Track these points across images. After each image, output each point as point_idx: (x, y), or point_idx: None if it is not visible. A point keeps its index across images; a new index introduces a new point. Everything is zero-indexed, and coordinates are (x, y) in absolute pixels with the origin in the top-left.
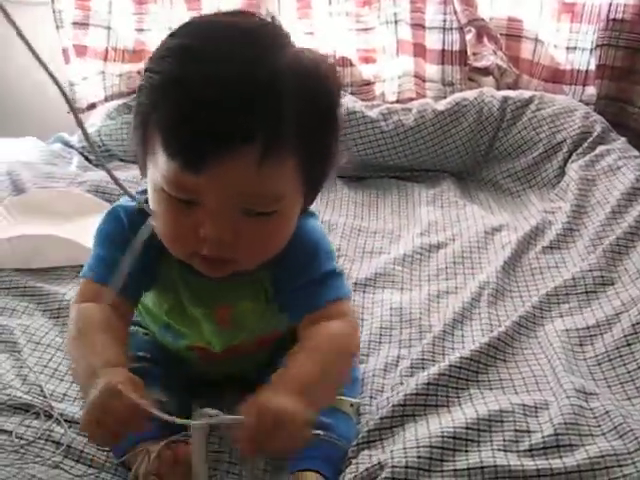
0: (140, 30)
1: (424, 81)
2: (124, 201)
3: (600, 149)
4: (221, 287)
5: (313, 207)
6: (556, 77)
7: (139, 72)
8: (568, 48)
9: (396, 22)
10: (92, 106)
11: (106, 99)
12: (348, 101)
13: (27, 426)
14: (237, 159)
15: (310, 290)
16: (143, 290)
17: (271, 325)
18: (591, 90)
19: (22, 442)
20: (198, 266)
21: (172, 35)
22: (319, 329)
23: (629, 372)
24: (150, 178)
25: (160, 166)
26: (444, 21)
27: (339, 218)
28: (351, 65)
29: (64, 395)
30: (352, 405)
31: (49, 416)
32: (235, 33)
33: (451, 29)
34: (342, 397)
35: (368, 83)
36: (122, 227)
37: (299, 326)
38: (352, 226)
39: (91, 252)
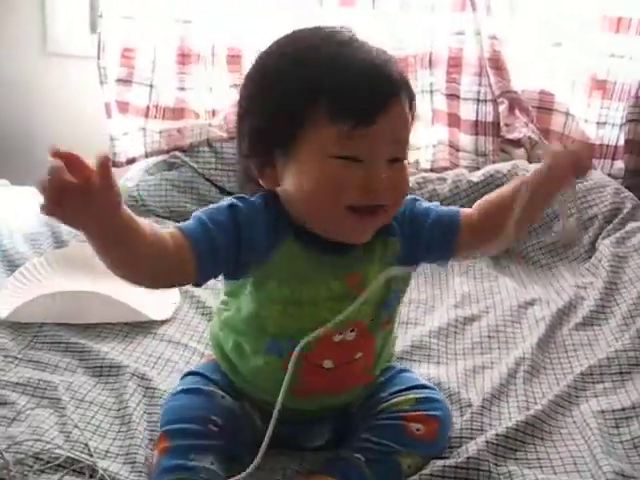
0: (181, 89)
1: (458, 150)
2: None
3: (631, 225)
4: (348, 257)
5: None
6: None
7: (179, 130)
8: (598, 123)
9: (432, 92)
10: (132, 160)
11: (146, 155)
12: None
13: None
14: (394, 109)
15: (439, 224)
16: (225, 271)
17: (392, 294)
18: (619, 164)
19: None
20: (349, 226)
21: (281, 45)
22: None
23: None
24: (301, 159)
25: (323, 135)
26: (478, 92)
27: None
28: None
29: (107, 452)
30: None
31: (93, 473)
32: (344, 36)
33: (485, 100)
34: None
35: None
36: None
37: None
38: None
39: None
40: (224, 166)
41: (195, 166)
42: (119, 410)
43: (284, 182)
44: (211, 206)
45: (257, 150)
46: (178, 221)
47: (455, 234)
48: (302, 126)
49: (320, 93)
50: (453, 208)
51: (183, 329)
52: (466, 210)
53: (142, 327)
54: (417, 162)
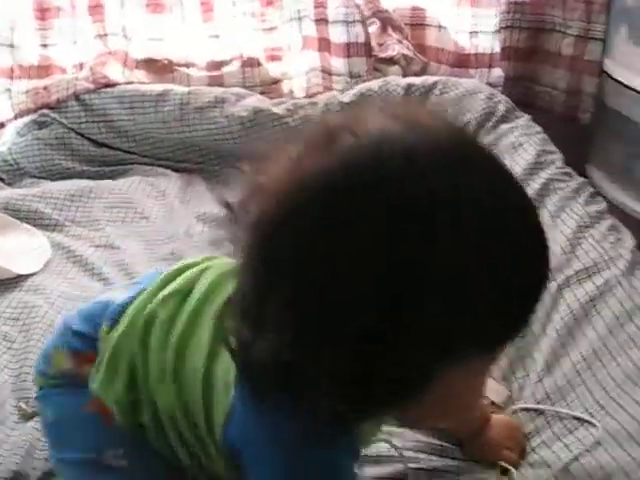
0: (44, 46)
1: (331, 74)
2: None
3: (503, 127)
4: None
5: None
6: (462, 62)
7: (45, 88)
8: (471, 33)
9: (300, 19)
10: (1, 125)
11: (15, 117)
12: (255, 100)
13: None
14: None
15: None
16: None
17: None
18: (498, 72)
19: None
20: None
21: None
22: None
23: None
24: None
25: (470, 370)
26: (346, 14)
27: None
28: (258, 65)
29: None
30: None
31: None
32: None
33: (354, 22)
34: None
35: (276, 81)
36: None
37: None
38: None
39: None
40: (94, 117)
41: (65, 122)
42: None
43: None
44: None
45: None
46: (53, 180)
47: None
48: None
49: (477, 336)
50: None
51: (54, 280)
52: None
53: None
54: (291, 91)
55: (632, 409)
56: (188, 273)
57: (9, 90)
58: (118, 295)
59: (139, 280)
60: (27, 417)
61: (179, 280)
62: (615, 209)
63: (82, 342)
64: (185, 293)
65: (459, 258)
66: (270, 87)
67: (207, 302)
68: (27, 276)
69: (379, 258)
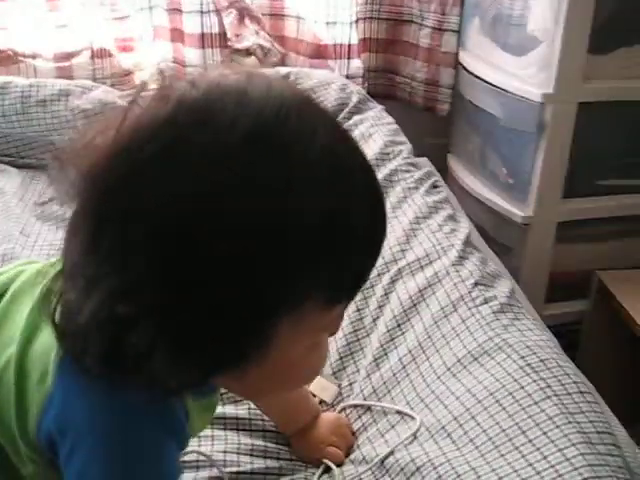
0: None
1: (184, 66)
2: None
3: (355, 118)
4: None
5: None
6: (321, 53)
7: None
8: (328, 23)
9: (151, 8)
10: None
11: None
12: (102, 92)
13: None
14: None
15: None
16: None
17: None
18: (357, 63)
19: None
20: None
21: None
22: None
23: None
24: (284, 355)
25: (309, 325)
26: (201, 4)
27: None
28: (110, 56)
29: None
30: None
31: None
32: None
33: (209, 12)
34: None
35: (128, 73)
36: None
37: None
38: None
39: None
40: None
41: None
42: None
43: (220, 381)
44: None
45: (185, 363)
46: None
47: None
48: (274, 327)
49: (308, 282)
50: None
51: None
52: None
53: None
54: (145, 83)
55: (448, 401)
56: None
57: None
58: None
59: None
60: None
61: None
62: (471, 198)
63: None
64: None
65: (293, 202)
66: (122, 79)
67: (15, 302)
68: None
69: (199, 203)
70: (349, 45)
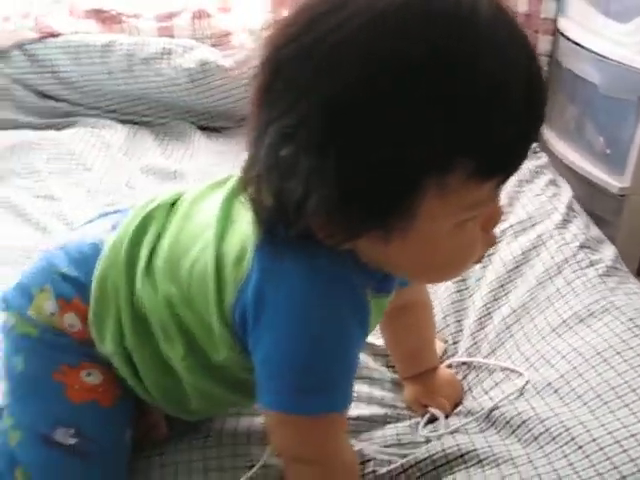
0: None
1: None
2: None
3: None
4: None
5: None
6: None
7: None
8: None
9: None
10: None
11: None
12: (203, 52)
13: None
14: None
15: None
16: None
17: None
18: None
19: None
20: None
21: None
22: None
23: None
24: (418, 228)
25: (456, 196)
26: None
27: (196, 166)
28: (208, 17)
29: None
30: None
31: None
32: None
33: None
34: None
35: (227, 34)
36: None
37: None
38: (208, 173)
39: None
40: (39, 68)
41: (9, 72)
42: None
43: (372, 247)
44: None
45: (330, 218)
46: None
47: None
48: (423, 188)
49: (463, 144)
50: None
51: None
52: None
53: None
54: (242, 44)
55: (554, 360)
56: (167, 195)
57: None
58: (103, 234)
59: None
60: None
61: (158, 200)
62: (566, 168)
63: (71, 288)
64: (169, 205)
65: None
66: (221, 39)
67: (201, 200)
68: None
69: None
70: None
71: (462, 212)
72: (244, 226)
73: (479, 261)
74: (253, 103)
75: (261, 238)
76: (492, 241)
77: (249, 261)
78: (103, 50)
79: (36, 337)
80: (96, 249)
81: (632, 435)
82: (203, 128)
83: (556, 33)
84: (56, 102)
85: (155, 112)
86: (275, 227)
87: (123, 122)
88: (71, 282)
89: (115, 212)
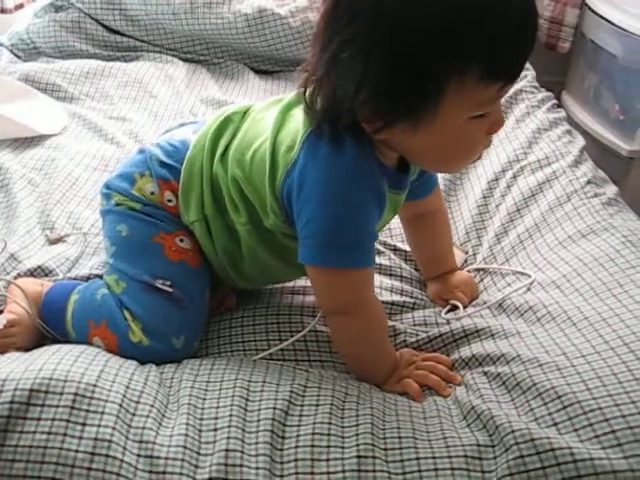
0: None
1: None
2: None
3: None
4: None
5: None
6: None
7: None
8: None
9: None
10: (20, 6)
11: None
12: (260, 0)
13: None
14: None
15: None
16: None
17: None
18: None
19: None
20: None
21: None
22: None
23: None
24: (437, 122)
25: (469, 97)
26: None
27: (250, 101)
28: None
29: None
30: None
31: None
32: None
33: None
34: None
35: None
36: (378, 182)
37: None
38: None
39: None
40: (109, 5)
41: (81, 7)
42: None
43: (403, 136)
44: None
45: (377, 106)
46: (66, 59)
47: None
48: (447, 85)
49: (476, 49)
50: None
51: (72, 141)
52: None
53: (31, 139)
54: None
55: (558, 265)
56: (242, 104)
57: None
58: (188, 135)
59: (192, 123)
60: (51, 242)
61: (235, 108)
62: (580, 130)
63: (168, 171)
64: (244, 112)
65: None
66: None
67: (266, 110)
68: (47, 136)
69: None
70: None
71: (475, 108)
72: (296, 124)
73: (479, 158)
74: (320, 21)
75: (309, 133)
76: (489, 143)
77: (297, 150)
78: None
79: (139, 209)
80: (185, 144)
81: (616, 315)
82: (255, 70)
83: (583, 6)
84: (123, 37)
85: (213, 52)
86: (321, 125)
87: (183, 59)
88: (167, 167)
89: (192, 123)
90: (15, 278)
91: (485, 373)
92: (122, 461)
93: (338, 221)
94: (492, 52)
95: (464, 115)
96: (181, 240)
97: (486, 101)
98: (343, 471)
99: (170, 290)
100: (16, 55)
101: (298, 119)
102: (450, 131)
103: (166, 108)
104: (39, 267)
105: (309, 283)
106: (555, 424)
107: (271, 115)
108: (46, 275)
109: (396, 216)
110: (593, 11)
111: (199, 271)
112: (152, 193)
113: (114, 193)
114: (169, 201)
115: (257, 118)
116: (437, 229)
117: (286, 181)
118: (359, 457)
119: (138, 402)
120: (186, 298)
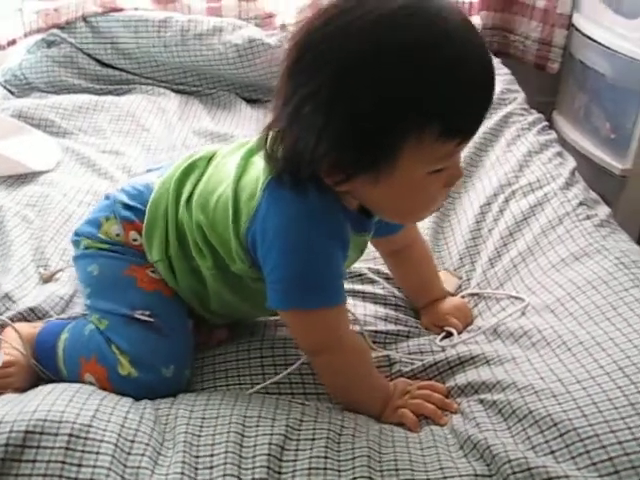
0: None
1: None
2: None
3: None
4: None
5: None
6: None
7: (56, 9)
8: None
9: None
10: (12, 42)
11: (25, 35)
12: (250, 30)
13: None
14: None
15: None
16: None
17: None
18: (476, 20)
19: None
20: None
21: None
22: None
23: None
24: (396, 175)
25: (427, 153)
26: None
27: (242, 132)
28: None
29: None
30: None
31: None
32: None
33: None
34: None
35: (271, 15)
36: (341, 227)
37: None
38: (250, 137)
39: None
40: (101, 39)
41: (73, 41)
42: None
43: (363, 189)
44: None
45: (337, 160)
46: (59, 95)
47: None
48: (405, 140)
49: (436, 108)
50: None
51: (65, 177)
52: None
53: (25, 176)
54: (284, 25)
55: (552, 289)
56: (208, 150)
57: (21, 10)
58: (152, 179)
59: (158, 169)
60: (45, 281)
61: (201, 153)
62: (573, 152)
63: (132, 213)
64: (209, 158)
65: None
66: (264, 20)
67: (230, 155)
68: (41, 173)
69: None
70: (470, 3)
71: (433, 163)
72: (257, 172)
73: (438, 209)
74: (283, 75)
75: (270, 182)
76: (446, 196)
77: (259, 197)
78: (160, 25)
79: (107, 249)
80: (148, 187)
81: (611, 339)
82: (246, 100)
83: (570, 27)
84: (115, 71)
85: (204, 83)
86: (282, 174)
87: (175, 91)
88: (131, 209)
89: (158, 169)
90: (12, 320)
91: (481, 401)
92: None
93: (303, 267)
94: (451, 112)
95: (423, 169)
96: (152, 271)
97: (444, 156)
98: None
99: (151, 320)
100: (9, 91)
101: (259, 166)
102: (409, 184)
103: (159, 141)
104: (33, 309)
105: None
106: (552, 452)
107: (234, 161)
108: (40, 318)
109: None
110: (580, 32)
111: (175, 300)
112: (117, 235)
113: (82, 238)
114: (134, 240)
115: (221, 164)
116: (415, 261)
117: (250, 229)
118: None
119: (133, 441)
120: (166, 327)
